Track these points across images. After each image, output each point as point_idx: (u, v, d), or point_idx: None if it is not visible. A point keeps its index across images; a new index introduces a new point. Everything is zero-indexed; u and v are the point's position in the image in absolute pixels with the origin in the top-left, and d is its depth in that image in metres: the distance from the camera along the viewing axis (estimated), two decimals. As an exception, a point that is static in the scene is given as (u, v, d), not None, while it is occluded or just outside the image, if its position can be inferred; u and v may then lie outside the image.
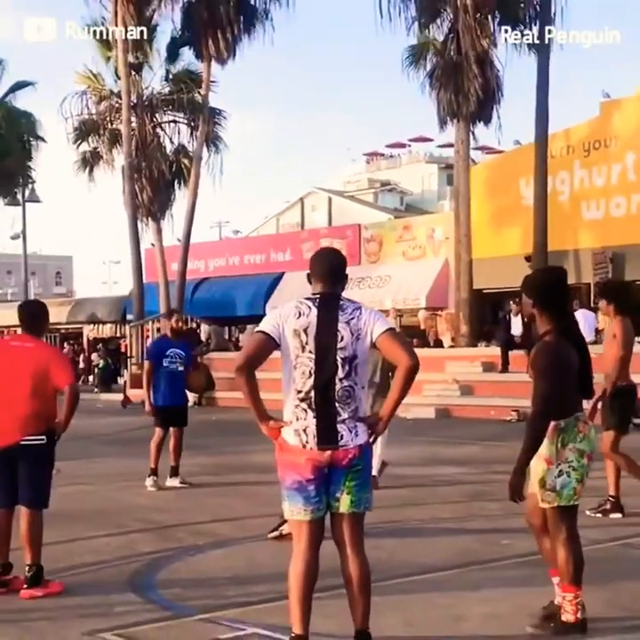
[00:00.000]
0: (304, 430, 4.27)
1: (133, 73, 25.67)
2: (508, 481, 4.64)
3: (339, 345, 4.27)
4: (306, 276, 4.56)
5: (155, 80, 27.21)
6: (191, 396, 21.43)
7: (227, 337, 27.48)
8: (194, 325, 25.76)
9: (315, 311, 4.34)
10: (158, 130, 26.50)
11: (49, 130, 41.56)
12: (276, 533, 7.29)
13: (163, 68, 26.71)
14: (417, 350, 20.76)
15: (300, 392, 4.29)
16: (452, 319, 26.86)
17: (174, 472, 9.97)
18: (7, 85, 30.92)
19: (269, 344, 4.33)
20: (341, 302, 4.38)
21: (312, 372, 4.27)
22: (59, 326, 38.27)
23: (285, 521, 7.25)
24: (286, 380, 4.36)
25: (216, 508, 8.84)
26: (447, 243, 27.72)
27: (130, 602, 5.62)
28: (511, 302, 18.22)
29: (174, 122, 26.98)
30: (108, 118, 26.75)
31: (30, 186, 31.12)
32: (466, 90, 20.45)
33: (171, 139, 27.13)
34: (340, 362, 4.27)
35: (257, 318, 28.54)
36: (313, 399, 4.26)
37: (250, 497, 9.37)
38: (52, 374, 5.72)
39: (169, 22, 25.46)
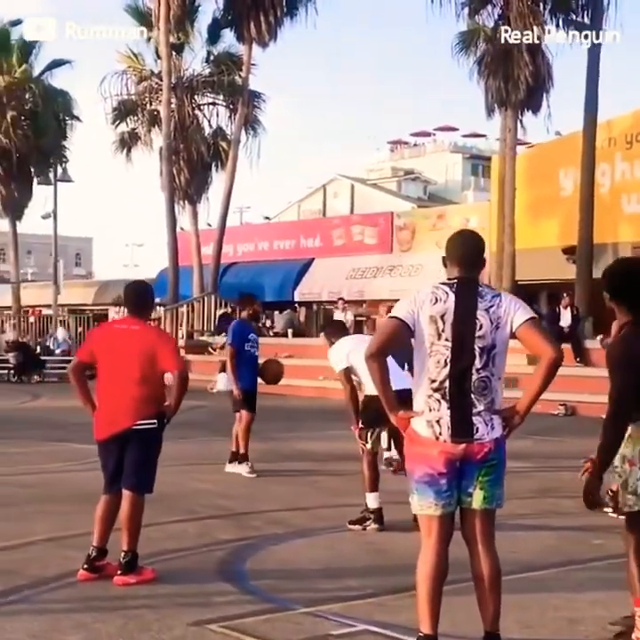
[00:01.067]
0: (437, 422, 4.09)
1: (174, 53, 25.42)
2: (583, 487, 4.28)
3: (477, 333, 4.09)
4: (441, 260, 4.37)
5: (195, 61, 27.13)
6: (223, 382, 21.53)
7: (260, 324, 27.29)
8: (228, 310, 25.61)
9: (452, 297, 4.16)
10: (197, 112, 26.30)
11: (84, 109, 41.22)
12: (357, 527, 7.11)
13: (204, 49, 26.61)
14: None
15: (433, 382, 4.11)
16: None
17: (244, 458, 9.77)
18: (44, 63, 30.73)
19: (404, 331, 4.16)
20: (480, 288, 4.20)
21: (448, 361, 4.09)
22: (85, 308, 38.23)
23: (369, 516, 7.14)
24: (419, 369, 4.19)
25: (283, 496, 8.71)
26: (482, 233, 27.39)
27: (226, 592, 5.47)
28: (564, 294, 17.99)
29: (213, 104, 26.86)
30: (147, 99, 26.55)
31: (63, 165, 30.93)
32: (516, 77, 20.15)
33: (209, 121, 27.03)
34: (477, 351, 4.09)
35: (286, 304, 28.76)
36: (447, 389, 4.09)
37: (313, 486, 9.26)
38: (160, 358, 5.59)
39: (211, 3, 25.23)
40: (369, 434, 7.20)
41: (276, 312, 26.42)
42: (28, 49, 29.89)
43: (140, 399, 5.56)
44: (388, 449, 9.46)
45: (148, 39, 26.21)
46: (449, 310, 4.13)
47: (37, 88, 29.80)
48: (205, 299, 25.24)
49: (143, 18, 25.42)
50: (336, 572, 5.95)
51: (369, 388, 6.98)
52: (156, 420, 5.60)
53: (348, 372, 7.26)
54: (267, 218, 42.86)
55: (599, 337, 16.00)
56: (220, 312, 25.17)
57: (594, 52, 20.26)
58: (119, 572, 5.58)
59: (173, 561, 6.20)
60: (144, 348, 5.58)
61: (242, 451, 9.75)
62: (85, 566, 5.64)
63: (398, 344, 4.22)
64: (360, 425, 7.20)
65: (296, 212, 53.12)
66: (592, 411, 14.14)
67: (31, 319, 33.19)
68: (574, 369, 15.81)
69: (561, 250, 24.85)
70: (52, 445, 12.08)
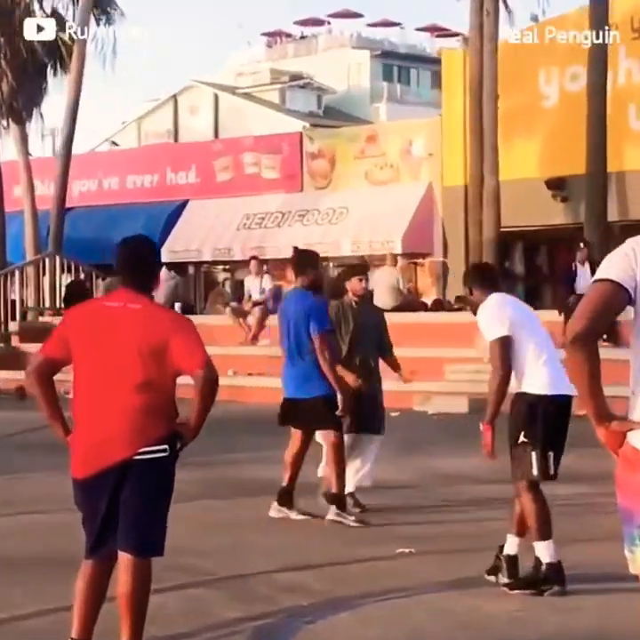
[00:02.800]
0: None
1: None
2: None
3: None
4: None
5: None
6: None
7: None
8: (79, 277, 25.05)
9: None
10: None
11: None
12: (527, 591, 6.97)
13: None
14: (418, 315, 20.68)
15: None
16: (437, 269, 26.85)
17: (335, 500, 9.43)
18: None
19: (620, 298, 3.94)
20: None
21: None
22: None
23: (548, 575, 6.95)
24: (636, 359, 3.97)
25: (274, 548, 8.53)
26: (431, 160, 27.59)
27: None
28: (580, 245, 18.10)
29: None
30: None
31: None
32: None
33: (41, 2, 26.13)
34: None
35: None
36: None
37: (305, 531, 9.12)
38: (174, 352, 5.21)
39: None
40: (535, 455, 7.02)
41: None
42: None
43: (143, 414, 5.24)
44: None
45: None
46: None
47: None
48: (45, 261, 24.64)
49: None
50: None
51: (525, 382, 7.03)
52: (166, 446, 5.29)
53: (508, 344, 7.07)
54: (114, 144, 42.05)
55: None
56: (66, 280, 24.58)
57: None
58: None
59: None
60: (150, 336, 5.24)
61: (334, 489, 9.39)
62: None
63: (614, 317, 4.02)
64: (522, 439, 7.04)
65: (135, 134, 52.47)
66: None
67: None
68: (604, 351, 15.90)
69: (545, 182, 25.22)
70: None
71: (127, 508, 5.25)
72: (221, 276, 33.18)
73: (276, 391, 9.99)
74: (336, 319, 9.66)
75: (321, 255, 29.25)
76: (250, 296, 21.56)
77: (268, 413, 10.40)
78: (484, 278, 7.62)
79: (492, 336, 7.09)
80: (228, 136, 40.24)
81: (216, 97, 53.31)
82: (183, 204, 31.49)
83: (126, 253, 5.47)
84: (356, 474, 9.78)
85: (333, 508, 9.24)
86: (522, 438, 7.00)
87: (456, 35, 68.26)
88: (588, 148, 21.97)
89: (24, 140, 26.89)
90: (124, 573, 5.28)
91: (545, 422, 6.98)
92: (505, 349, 7.02)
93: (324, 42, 66.92)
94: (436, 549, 8.22)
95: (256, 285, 21.43)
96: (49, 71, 26.63)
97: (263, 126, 40.06)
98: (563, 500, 9.49)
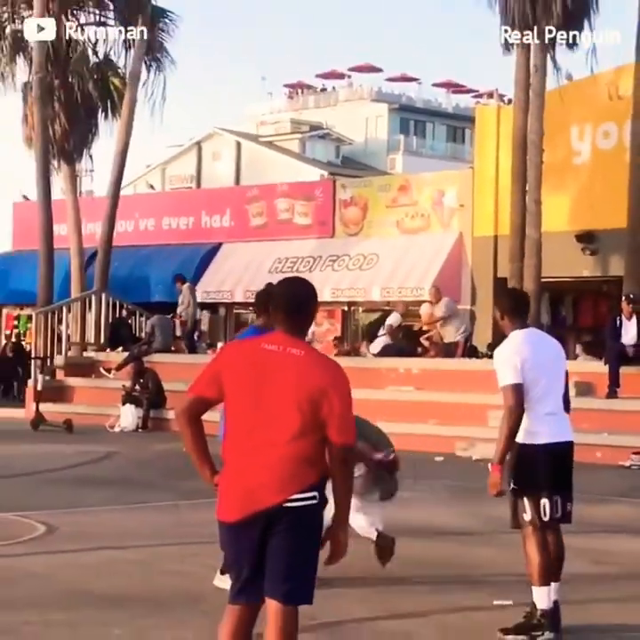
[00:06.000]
0: None
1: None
2: None
3: None
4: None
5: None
6: (132, 417, 20.73)
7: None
8: (124, 313, 24.76)
9: None
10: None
11: None
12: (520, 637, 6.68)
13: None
14: (461, 362, 19.91)
15: None
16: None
17: None
18: None
19: None
20: None
21: None
22: None
23: (540, 621, 6.70)
24: None
25: (371, 594, 8.03)
26: (462, 211, 27.41)
27: None
28: (623, 299, 17.81)
29: (102, 24, 25.96)
30: (6, 15, 25.51)
31: None
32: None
33: (95, 48, 26.04)
34: None
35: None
36: None
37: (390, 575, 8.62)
38: (327, 411, 4.91)
39: None
40: (526, 502, 6.85)
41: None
42: None
43: (296, 462, 4.91)
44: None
45: None
46: None
47: None
48: (91, 298, 24.37)
49: None
50: None
51: (537, 434, 6.79)
52: (316, 493, 4.95)
53: (520, 391, 6.80)
54: (151, 186, 41.98)
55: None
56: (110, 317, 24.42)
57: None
58: None
59: None
60: (310, 386, 4.90)
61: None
62: None
63: None
64: (512, 485, 6.90)
65: (159, 178, 52.36)
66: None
67: None
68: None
69: (574, 236, 25.01)
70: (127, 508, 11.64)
71: (276, 554, 4.91)
72: (251, 317, 32.89)
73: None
74: None
75: (350, 300, 29.47)
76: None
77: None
78: (518, 307, 7.22)
79: (504, 382, 6.82)
80: (248, 182, 40.12)
81: (238, 144, 53.41)
82: (217, 247, 31.31)
83: (289, 295, 5.13)
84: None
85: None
86: (512, 485, 6.87)
87: (471, 91, 68.87)
88: (629, 202, 21.71)
89: (73, 179, 26.69)
90: (271, 621, 4.93)
91: (531, 470, 6.80)
92: (517, 396, 6.75)
93: (344, 94, 67.08)
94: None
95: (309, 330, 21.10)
96: (100, 114, 26.47)
97: (283, 174, 40.02)
98: None
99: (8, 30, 25.39)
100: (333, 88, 69.25)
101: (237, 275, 30.16)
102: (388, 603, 7.82)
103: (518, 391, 6.73)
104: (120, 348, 23.45)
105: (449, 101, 69.75)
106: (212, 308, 31.25)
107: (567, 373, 7.17)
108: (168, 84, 26.28)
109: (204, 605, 7.25)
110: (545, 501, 6.80)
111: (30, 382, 22.71)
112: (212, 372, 5.11)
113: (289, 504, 4.87)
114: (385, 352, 20.96)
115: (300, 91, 70.53)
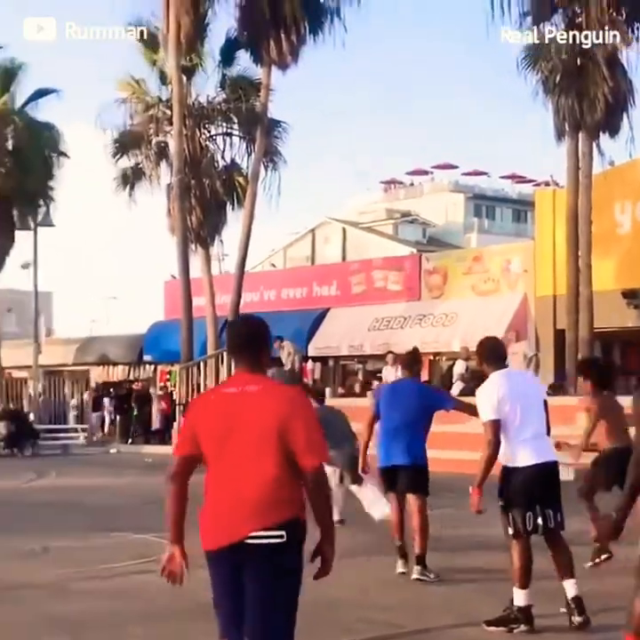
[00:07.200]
0: None
1: (184, 78, 24.47)
2: None
3: None
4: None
5: (207, 87, 26.23)
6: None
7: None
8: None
9: None
10: (209, 143, 25.33)
11: (76, 146, 39.68)
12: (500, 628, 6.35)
13: (216, 72, 25.61)
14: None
15: None
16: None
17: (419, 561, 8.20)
18: (28, 93, 29.57)
19: None
20: None
21: None
22: (63, 369, 36.81)
23: (517, 616, 6.38)
24: None
25: (444, 602, 7.35)
26: (526, 276, 26.73)
27: None
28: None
29: (228, 134, 25.87)
30: (152, 129, 25.53)
31: (45, 208, 29.70)
32: (592, 95, 19.28)
33: (223, 153, 26.01)
34: None
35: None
36: None
37: (464, 586, 7.92)
38: (293, 440, 4.07)
39: (225, 20, 24.29)
40: (509, 516, 6.48)
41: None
42: (9, 77, 28.74)
43: (263, 500, 4.09)
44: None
45: (154, 63, 25.21)
46: None
47: (21, 122, 28.65)
48: (223, 355, 24.06)
49: (150, 40, 24.45)
50: None
51: (518, 457, 6.43)
52: (283, 532, 4.05)
53: (497, 427, 6.41)
54: (273, 265, 41.93)
55: None
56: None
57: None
58: None
59: None
60: (270, 421, 4.10)
61: (418, 550, 8.20)
62: None
63: None
64: (500, 502, 6.54)
65: (282, 259, 52.33)
66: None
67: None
68: None
69: (621, 293, 24.14)
70: (105, 537, 10.58)
71: (248, 602, 4.08)
72: (355, 367, 32.44)
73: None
74: None
75: (435, 351, 28.76)
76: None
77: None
78: (491, 354, 6.71)
79: (484, 418, 6.41)
80: (352, 260, 39.84)
81: (344, 230, 53.20)
82: (325, 311, 30.93)
83: (233, 335, 4.38)
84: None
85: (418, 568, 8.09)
86: (500, 502, 6.56)
87: (531, 180, 68.26)
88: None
89: (208, 261, 26.57)
90: None
91: (514, 488, 6.40)
92: (494, 431, 6.36)
93: (428, 187, 66.78)
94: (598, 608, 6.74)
95: (391, 373, 20.57)
96: (228, 207, 26.33)
97: (380, 252, 39.57)
98: None
99: (153, 142, 25.51)
100: (420, 183, 68.97)
101: (342, 333, 29.80)
102: (472, 611, 7.03)
103: (496, 426, 6.35)
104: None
105: (513, 189, 68.94)
106: (322, 360, 30.86)
107: (545, 402, 6.70)
108: (283, 181, 26.18)
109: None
110: (529, 514, 6.39)
111: (176, 425, 22.39)
112: (186, 431, 4.36)
113: (251, 541, 4.03)
114: (462, 394, 20.38)
115: (392, 185, 70.50)
